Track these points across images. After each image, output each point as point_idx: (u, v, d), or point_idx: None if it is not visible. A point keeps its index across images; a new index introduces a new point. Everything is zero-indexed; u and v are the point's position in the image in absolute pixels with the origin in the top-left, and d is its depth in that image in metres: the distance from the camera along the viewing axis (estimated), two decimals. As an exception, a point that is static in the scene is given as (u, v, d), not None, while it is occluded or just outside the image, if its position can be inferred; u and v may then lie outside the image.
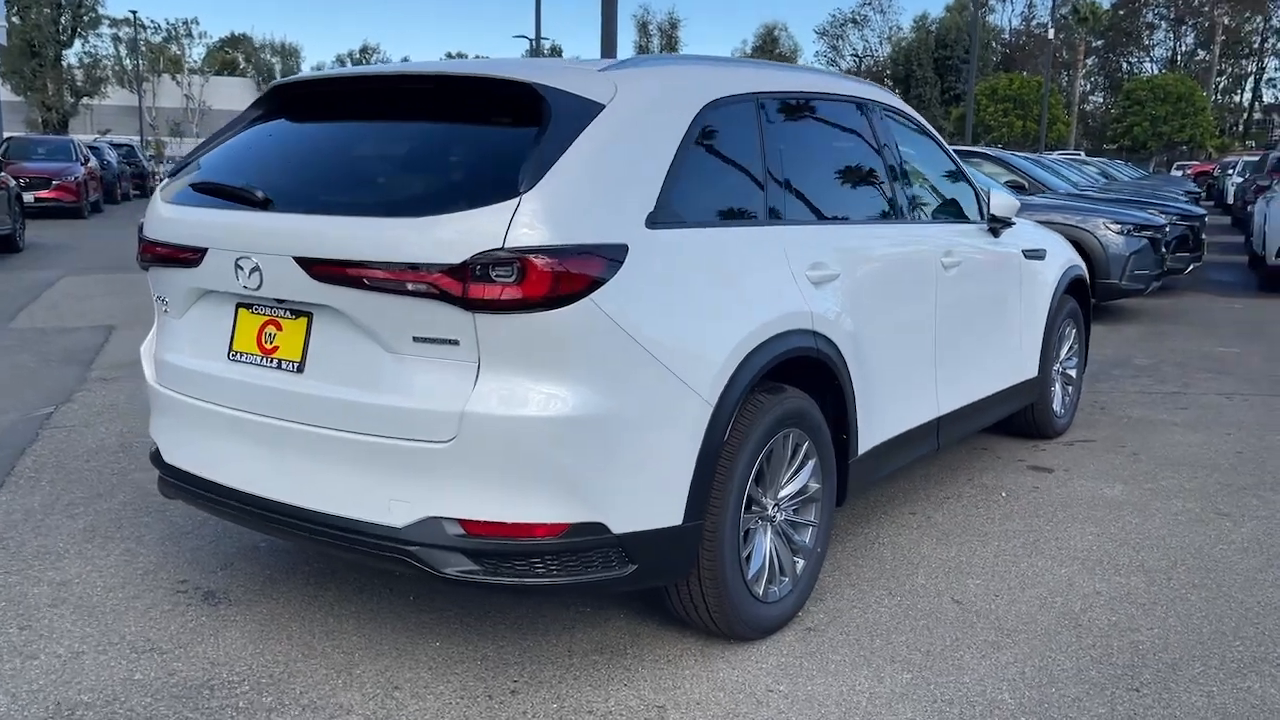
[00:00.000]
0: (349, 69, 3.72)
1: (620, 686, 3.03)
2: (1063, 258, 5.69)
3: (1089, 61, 71.64)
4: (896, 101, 4.58)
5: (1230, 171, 27.19)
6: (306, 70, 61.66)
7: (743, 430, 3.07)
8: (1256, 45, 68.54)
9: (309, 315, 2.93)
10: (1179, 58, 70.11)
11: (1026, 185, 11.31)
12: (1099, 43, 73.09)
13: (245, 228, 2.97)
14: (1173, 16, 72.61)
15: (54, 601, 3.51)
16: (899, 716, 2.88)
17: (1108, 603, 3.64)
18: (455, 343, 2.67)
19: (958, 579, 3.83)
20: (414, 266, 2.65)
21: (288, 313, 2.98)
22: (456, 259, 2.61)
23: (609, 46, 13.04)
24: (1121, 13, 70.51)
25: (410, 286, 2.67)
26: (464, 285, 2.61)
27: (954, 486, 4.93)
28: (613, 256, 2.73)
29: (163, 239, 3.23)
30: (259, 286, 2.93)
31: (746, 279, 3.19)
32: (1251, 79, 69.98)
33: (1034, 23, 79.77)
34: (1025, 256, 5.20)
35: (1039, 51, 73.56)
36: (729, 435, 3.01)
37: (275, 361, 3.00)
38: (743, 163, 3.36)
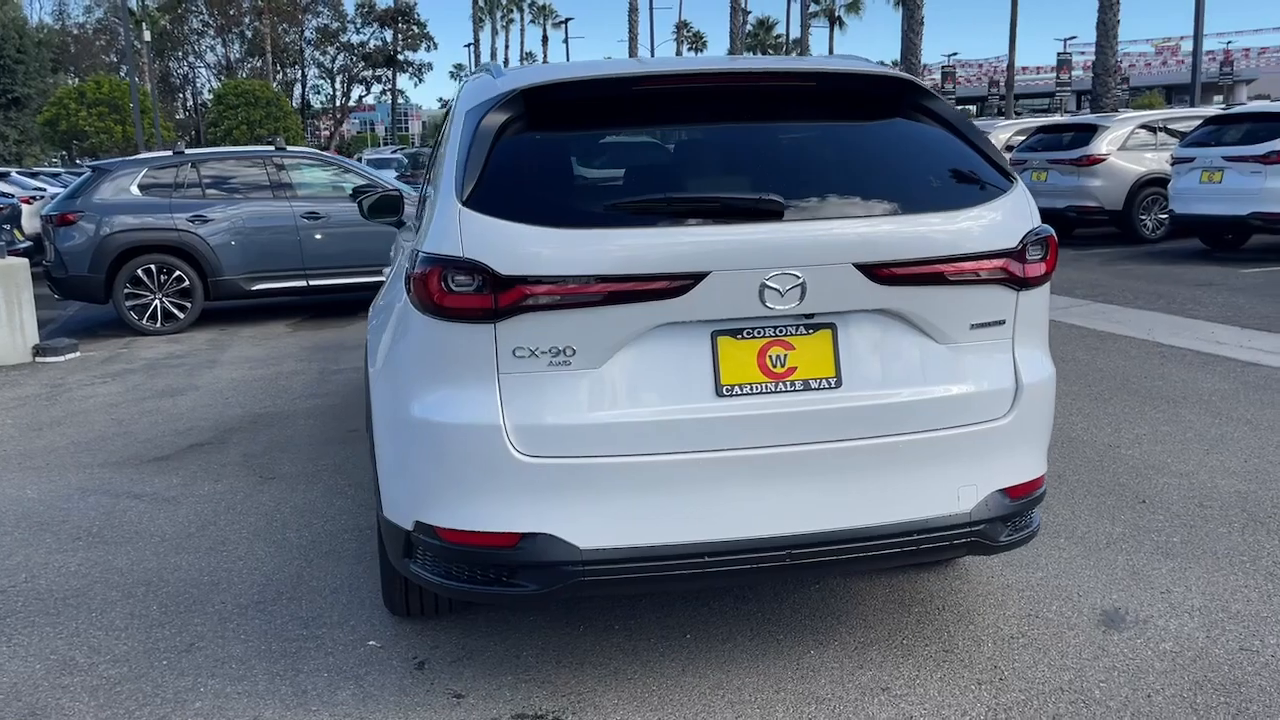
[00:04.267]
0: (669, 63, 3.11)
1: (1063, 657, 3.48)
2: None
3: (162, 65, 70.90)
4: None
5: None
6: None
7: None
8: (300, 53, 74.69)
9: (831, 326, 2.75)
10: (233, 64, 73.07)
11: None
12: (147, 44, 72.37)
13: (786, 241, 2.64)
14: (217, 25, 75.27)
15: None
16: None
17: None
18: (1002, 323, 2.89)
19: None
20: (985, 255, 2.80)
21: (801, 329, 2.73)
22: (1013, 243, 2.85)
23: None
24: (168, 19, 70.80)
25: (982, 275, 2.80)
26: (1022, 266, 2.86)
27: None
28: None
29: (614, 271, 2.57)
30: (799, 302, 2.66)
31: None
32: (299, 85, 76.03)
33: (69, 21, 75.55)
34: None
35: (85, 54, 70.11)
36: None
37: (798, 383, 2.72)
38: None
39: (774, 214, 2.68)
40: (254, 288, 10.26)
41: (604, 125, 2.94)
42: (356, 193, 10.47)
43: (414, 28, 75.16)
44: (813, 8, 67.96)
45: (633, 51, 49.20)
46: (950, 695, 2.98)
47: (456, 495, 2.74)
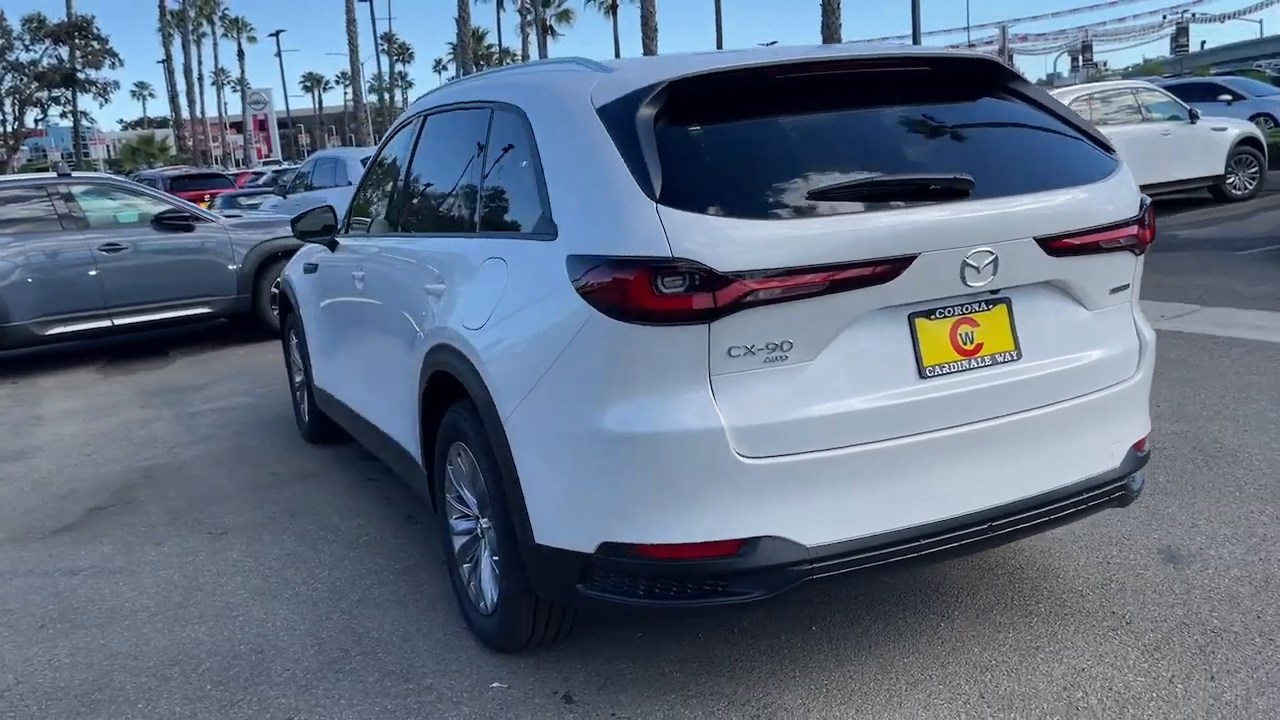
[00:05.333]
0: (807, 50, 3.13)
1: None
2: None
3: None
4: None
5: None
6: None
7: None
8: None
9: (1006, 301, 2.83)
10: None
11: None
12: None
13: (982, 218, 2.70)
14: None
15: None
16: None
17: None
18: (1127, 287, 3.09)
19: None
20: (1125, 223, 3.00)
21: (981, 305, 2.79)
22: (1137, 210, 3.05)
23: None
24: None
25: (1121, 241, 2.98)
26: (1143, 231, 3.07)
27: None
28: None
29: (833, 259, 2.54)
30: (993, 278, 2.73)
31: None
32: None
33: None
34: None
35: None
36: None
37: (986, 359, 2.79)
38: None
39: (963, 193, 2.72)
40: (48, 333, 9.09)
41: (756, 114, 2.86)
42: (159, 219, 9.67)
43: (94, 43, 68.86)
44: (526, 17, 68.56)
45: (353, 62, 47.65)
46: (1100, 644, 3.14)
47: (668, 508, 2.61)
